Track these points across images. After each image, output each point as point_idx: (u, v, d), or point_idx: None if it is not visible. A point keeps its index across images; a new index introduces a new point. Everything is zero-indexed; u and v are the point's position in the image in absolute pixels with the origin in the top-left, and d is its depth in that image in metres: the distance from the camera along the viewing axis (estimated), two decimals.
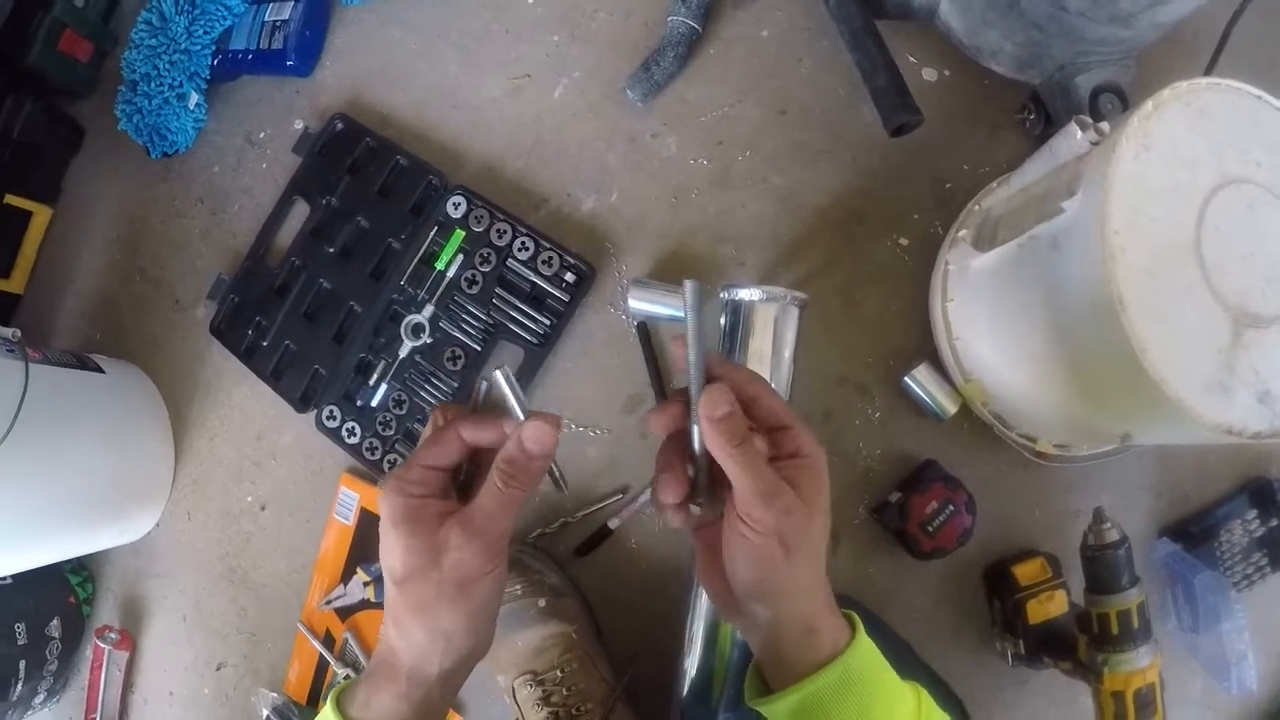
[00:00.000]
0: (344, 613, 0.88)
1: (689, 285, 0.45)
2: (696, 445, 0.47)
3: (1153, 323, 0.50)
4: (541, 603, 0.77)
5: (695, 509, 0.49)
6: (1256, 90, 0.55)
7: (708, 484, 0.48)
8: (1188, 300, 0.51)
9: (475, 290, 0.86)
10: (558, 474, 0.52)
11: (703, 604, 0.72)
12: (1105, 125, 0.61)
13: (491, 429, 0.48)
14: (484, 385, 0.50)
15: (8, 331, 0.83)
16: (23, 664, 0.90)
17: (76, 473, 0.85)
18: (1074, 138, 0.61)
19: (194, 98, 0.96)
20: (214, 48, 0.96)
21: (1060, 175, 0.61)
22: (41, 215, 1.03)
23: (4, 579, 0.90)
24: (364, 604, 0.87)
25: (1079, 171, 0.57)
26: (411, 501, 0.46)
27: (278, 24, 0.94)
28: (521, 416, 0.47)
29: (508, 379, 0.47)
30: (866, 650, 0.46)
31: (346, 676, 0.86)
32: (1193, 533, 0.77)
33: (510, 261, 0.85)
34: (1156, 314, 0.50)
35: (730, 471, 0.45)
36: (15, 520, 0.80)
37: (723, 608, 0.50)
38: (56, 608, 0.94)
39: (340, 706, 0.47)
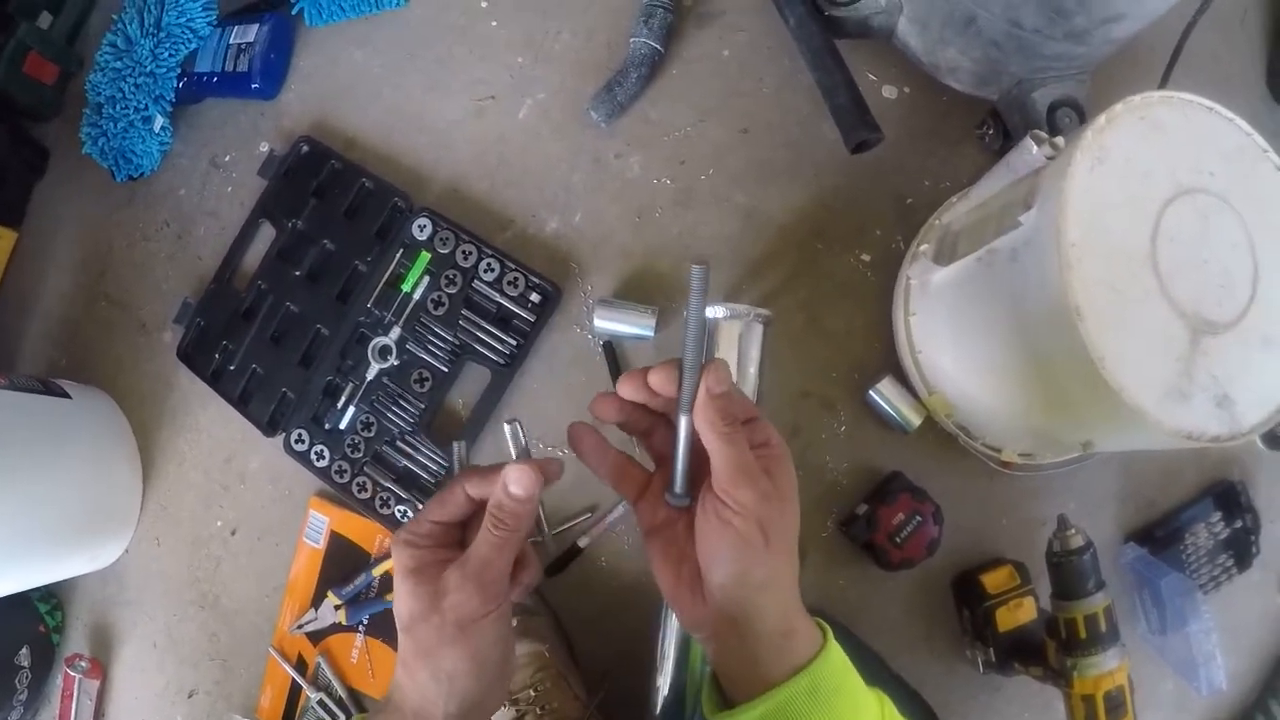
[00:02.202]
0: (315, 637, 0.86)
1: (696, 269, 0.44)
2: (683, 432, 0.46)
3: (1110, 332, 0.50)
4: (513, 622, 0.76)
5: (673, 501, 0.48)
6: (1208, 102, 0.55)
7: (687, 473, 0.47)
8: (1144, 309, 0.51)
9: (441, 312, 0.84)
10: (541, 520, 0.56)
11: (674, 621, 0.71)
12: (1060, 140, 0.61)
13: (492, 481, 0.49)
14: (456, 446, 0.57)
15: None
16: None
17: (43, 500, 0.83)
18: (1030, 152, 0.62)
19: (159, 121, 0.94)
20: (179, 70, 0.94)
21: (1018, 189, 0.61)
22: (6, 239, 1.00)
23: None
24: (335, 628, 0.85)
25: (1036, 185, 0.57)
26: (418, 553, 0.48)
27: (243, 47, 0.93)
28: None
29: (514, 435, 0.56)
30: (837, 657, 0.45)
31: (320, 701, 0.84)
32: (1158, 537, 0.78)
33: (476, 283, 0.83)
34: (1114, 323, 0.50)
35: (719, 452, 0.44)
36: None
37: (682, 613, 0.48)
38: (26, 636, 0.92)
39: None
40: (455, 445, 0.57)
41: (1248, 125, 0.55)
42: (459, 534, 0.51)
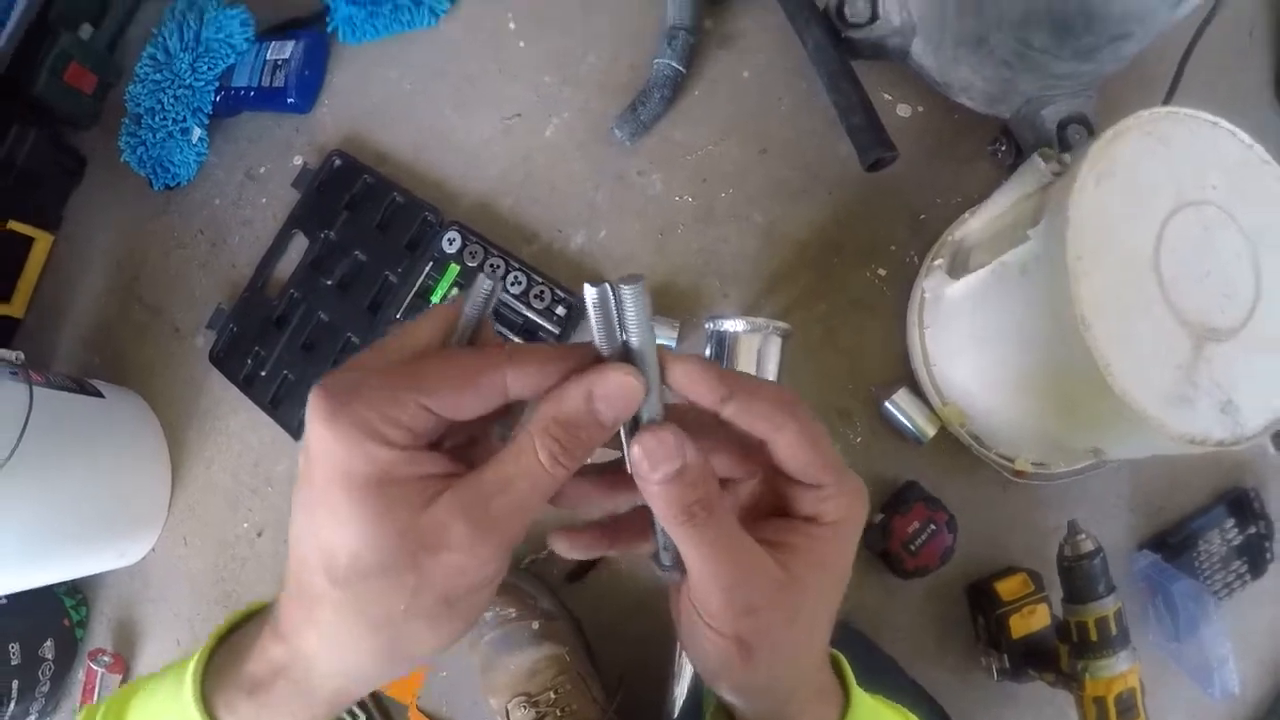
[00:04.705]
0: None
1: (627, 290, 0.29)
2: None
3: (1116, 341, 0.51)
4: (535, 625, 0.76)
5: (661, 573, 0.36)
6: (1212, 117, 0.56)
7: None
8: (1149, 318, 0.52)
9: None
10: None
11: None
12: (1067, 156, 0.62)
13: (554, 377, 0.31)
14: (488, 285, 0.33)
15: (11, 354, 0.81)
16: (16, 684, 0.87)
17: (75, 495, 0.83)
18: (1038, 168, 0.63)
19: (196, 132, 0.95)
20: (217, 84, 0.95)
21: (1027, 204, 0.63)
22: (43, 242, 1.01)
23: (1, 599, 0.88)
24: None
25: (1043, 200, 0.58)
26: (393, 455, 0.29)
27: (279, 63, 0.94)
28: (611, 343, 0.30)
29: (609, 298, 0.29)
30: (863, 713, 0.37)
31: None
32: (1171, 544, 0.77)
33: (503, 295, 0.85)
34: (1119, 332, 0.51)
35: (681, 549, 0.32)
36: (15, 540, 0.78)
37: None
38: (50, 629, 0.91)
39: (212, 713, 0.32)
40: (484, 279, 0.33)
41: (1249, 138, 0.56)
42: (458, 433, 0.33)
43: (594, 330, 0.30)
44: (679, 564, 0.33)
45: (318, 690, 0.32)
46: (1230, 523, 0.78)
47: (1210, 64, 0.78)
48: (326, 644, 0.30)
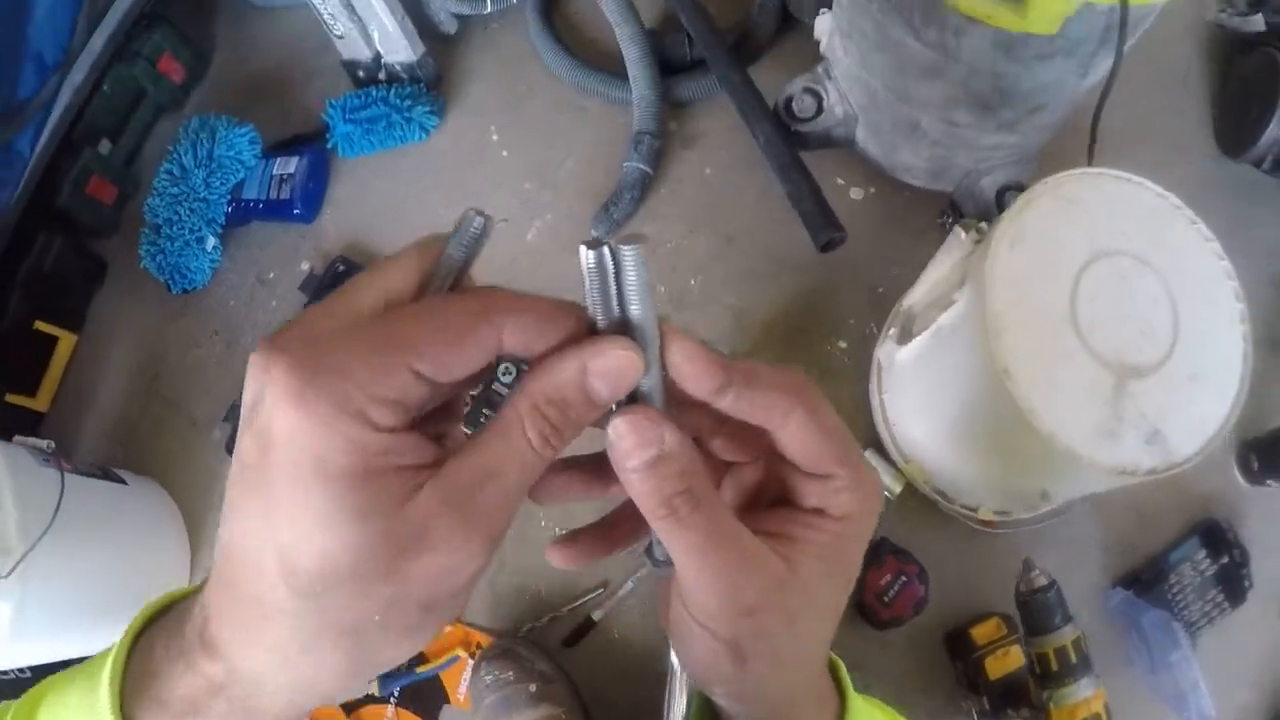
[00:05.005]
0: (348, 707, 0.89)
1: (627, 249, 0.26)
2: None
3: (1038, 387, 0.55)
4: (532, 688, 0.79)
5: (655, 568, 0.32)
6: (1118, 172, 0.59)
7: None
8: (1069, 363, 0.56)
9: (465, 410, 0.90)
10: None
11: (680, 688, 0.75)
12: (984, 225, 0.66)
13: (549, 337, 0.27)
14: (479, 221, 0.28)
15: (42, 443, 0.86)
16: None
17: (101, 574, 0.87)
18: (960, 239, 0.67)
19: (211, 241, 1.03)
20: (229, 197, 1.04)
21: (955, 272, 0.68)
22: (67, 341, 1.07)
23: (24, 672, 0.90)
24: (368, 699, 0.88)
25: (967, 267, 0.63)
26: (379, 440, 0.24)
27: (284, 176, 1.02)
28: (608, 313, 0.27)
29: (606, 262, 0.26)
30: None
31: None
32: (1144, 579, 0.79)
33: (496, 385, 0.90)
34: (1041, 379, 0.55)
35: (665, 544, 0.28)
36: (46, 614, 0.81)
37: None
38: None
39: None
40: (473, 213, 0.28)
41: (1159, 188, 0.59)
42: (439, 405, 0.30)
43: (589, 299, 0.27)
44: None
45: (263, 709, 0.27)
46: (1202, 554, 0.79)
47: (1149, 115, 0.83)
48: (278, 659, 0.26)
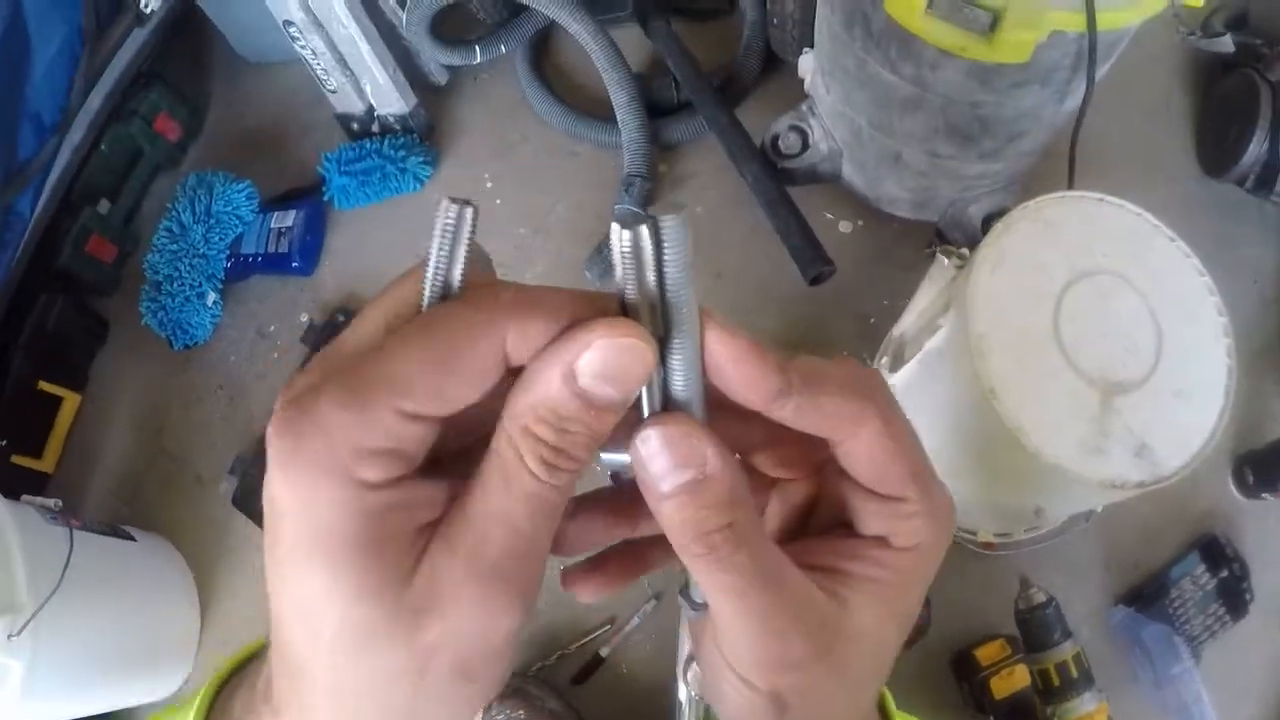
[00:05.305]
0: None
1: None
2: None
3: (1025, 405, 0.55)
4: (490, 700, 0.78)
5: (690, 610, 0.27)
6: (1096, 194, 0.60)
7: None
8: (1054, 381, 0.56)
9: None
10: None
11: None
12: (966, 251, 0.68)
13: (551, 334, 0.22)
14: (454, 208, 0.23)
15: (50, 502, 0.86)
16: None
17: (112, 631, 0.87)
18: (943, 265, 0.69)
19: (211, 296, 1.04)
20: (228, 252, 1.05)
21: (941, 298, 0.69)
22: (71, 401, 1.07)
23: None
24: None
25: (951, 292, 0.64)
26: (376, 498, 0.21)
27: (282, 230, 1.04)
28: (646, 298, 0.22)
29: (645, 239, 0.21)
30: None
31: None
32: (1145, 595, 0.80)
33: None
34: (1027, 397, 0.56)
35: (700, 585, 0.24)
36: (57, 673, 0.81)
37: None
38: None
39: None
40: (447, 202, 0.22)
41: (1137, 208, 0.60)
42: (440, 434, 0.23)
43: (621, 282, 0.22)
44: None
45: None
46: (1202, 568, 0.80)
47: (1131, 138, 0.84)
48: None
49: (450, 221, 0.23)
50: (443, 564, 0.22)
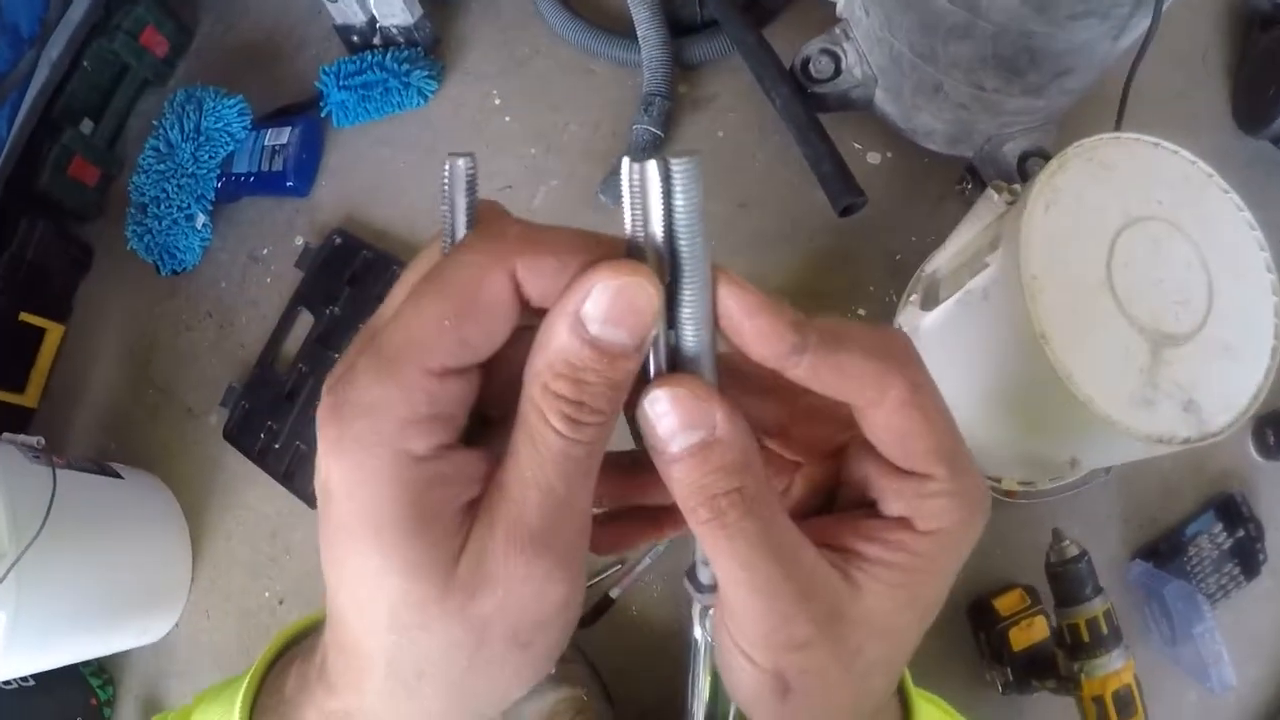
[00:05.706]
0: None
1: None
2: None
3: (1075, 352, 0.53)
4: (552, 669, 0.78)
5: (697, 595, 0.27)
6: (1152, 138, 0.58)
7: None
8: (1106, 328, 0.54)
9: None
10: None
11: (702, 665, 0.73)
12: (1018, 188, 0.66)
13: (563, 274, 0.21)
14: (461, 163, 0.24)
15: (32, 440, 0.83)
16: None
17: (99, 575, 0.84)
18: (993, 201, 0.66)
19: (200, 218, 0.99)
20: (218, 171, 0.99)
21: (986, 234, 0.66)
22: (54, 332, 1.03)
23: (27, 680, 0.89)
24: None
25: (999, 229, 0.62)
26: (426, 471, 0.21)
27: (276, 148, 0.98)
28: (651, 247, 0.22)
29: (653, 175, 0.21)
30: None
31: None
32: (1162, 551, 0.80)
33: None
34: (1078, 343, 0.53)
35: (708, 554, 0.23)
36: (42, 619, 0.79)
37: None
38: (77, 710, 0.92)
39: None
40: (453, 157, 0.24)
41: (1191, 155, 0.58)
42: (474, 393, 0.23)
43: (630, 228, 0.22)
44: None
45: None
46: (1219, 527, 0.80)
47: (1166, 90, 0.82)
48: (384, 703, 0.24)
49: (446, 176, 0.23)
50: (485, 539, 0.22)
